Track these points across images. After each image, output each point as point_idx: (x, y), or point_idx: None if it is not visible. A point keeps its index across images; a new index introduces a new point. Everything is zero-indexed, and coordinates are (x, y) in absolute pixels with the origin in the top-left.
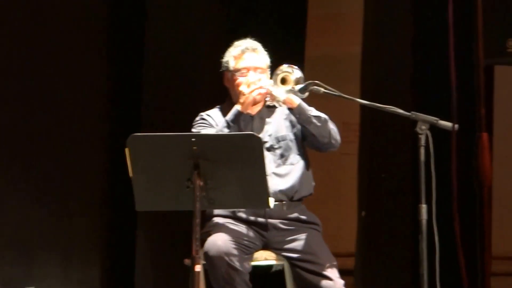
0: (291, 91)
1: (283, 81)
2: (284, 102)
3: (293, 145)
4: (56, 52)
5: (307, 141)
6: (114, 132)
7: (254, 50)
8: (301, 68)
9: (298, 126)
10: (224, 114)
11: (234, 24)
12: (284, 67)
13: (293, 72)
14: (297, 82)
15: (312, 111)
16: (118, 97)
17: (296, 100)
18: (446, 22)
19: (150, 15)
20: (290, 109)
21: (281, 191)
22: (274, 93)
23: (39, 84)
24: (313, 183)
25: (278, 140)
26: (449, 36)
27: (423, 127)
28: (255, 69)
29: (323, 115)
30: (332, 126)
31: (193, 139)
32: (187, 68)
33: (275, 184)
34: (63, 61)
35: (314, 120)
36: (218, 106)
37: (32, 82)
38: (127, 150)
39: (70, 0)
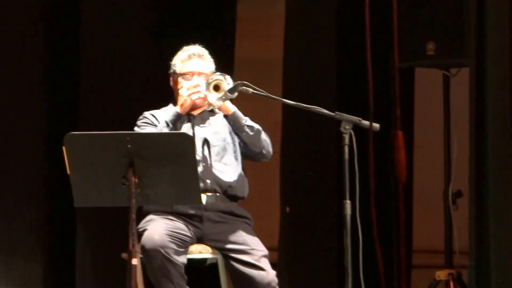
0: (224, 98)
1: (216, 88)
2: (219, 109)
3: (229, 148)
4: None
5: (241, 150)
6: (52, 130)
7: (200, 56)
8: (231, 70)
9: None
10: (168, 114)
11: (165, 28)
12: (217, 75)
13: (225, 80)
14: (225, 94)
15: (247, 121)
16: (55, 95)
17: (232, 108)
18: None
19: (84, 17)
20: (225, 116)
21: (216, 182)
22: (208, 98)
23: None
24: (247, 191)
25: (216, 139)
26: (366, 41)
27: (347, 127)
28: (199, 74)
29: (257, 126)
30: (265, 137)
31: (127, 138)
32: (120, 69)
33: (212, 174)
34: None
35: (247, 129)
36: (163, 108)
37: None
38: (64, 149)
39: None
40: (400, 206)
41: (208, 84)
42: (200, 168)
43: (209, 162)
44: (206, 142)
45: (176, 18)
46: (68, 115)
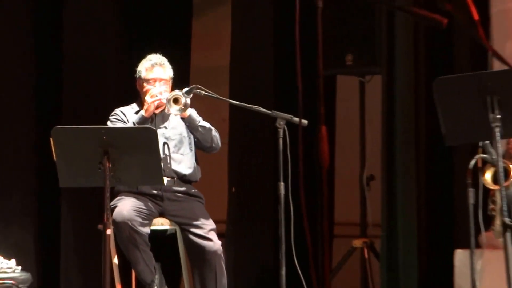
0: (181, 110)
1: (176, 101)
2: (180, 114)
3: (185, 141)
4: None
5: (195, 143)
6: (40, 122)
7: (161, 65)
8: (188, 76)
9: None
10: (134, 110)
11: (134, 39)
12: (177, 91)
13: (183, 98)
14: (185, 105)
15: (200, 122)
16: (43, 91)
17: (187, 112)
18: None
19: (66, 26)
20: (182, 118)
21: (174, 171)
22: (170, 111)
23: None
24: (199, 175)
25: (174, 133)
26: (296, 52)
27: (281, 123)
28: (160, 80)
29: (208, 125)
30: (214, 133)
31: (103, 131)
32: (97, 70)
33: (170, 163)
34: None
35: (200, 129)
36: (131, 104)
37: None
38: (51, 139)
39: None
40: (323, 187)
41: (168, 100)
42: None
43: (168, 155)
44: (165, 139)
45: (144, 32)
46: (53, 110)
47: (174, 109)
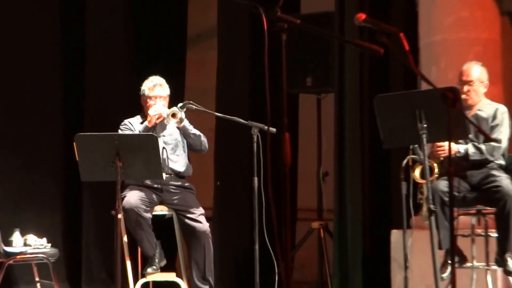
0: (177, 123)
1: (173, 115)
2: (177, 125)
3: (180, 144)
4: (22, 70)
5: (187, 146)
6: (67, 130)
7: (161, 85)
8: (182, 94)
9: None
10: (139, 121)
11: (141, 64)
12: (174, 107)
13: (180, 112)
14: (181, 118)
15: (192, 130)
16: (69, 105)
17: (184, 121)
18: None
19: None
20: (178, 127)
21: (171, 169)
22: (169, 123)
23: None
24: (191, 171)
25: (171, 139)
26: (265, 75)
27: (255, 131)
28: (160, 97)
29: (198, 132)
30: (203, 139)
31: (115, 137)
32: (112, 89)
33: (168, 163)
34: (28, 77)
35: (192, 135)
36: (137, 116)
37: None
38: (74, 144)
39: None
40: (287, 181)
41: (167, 115)
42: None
43: (166, 156)
44: (164, 144)
45: (148, 59)
46: (76, 120)
47: (172, 122)
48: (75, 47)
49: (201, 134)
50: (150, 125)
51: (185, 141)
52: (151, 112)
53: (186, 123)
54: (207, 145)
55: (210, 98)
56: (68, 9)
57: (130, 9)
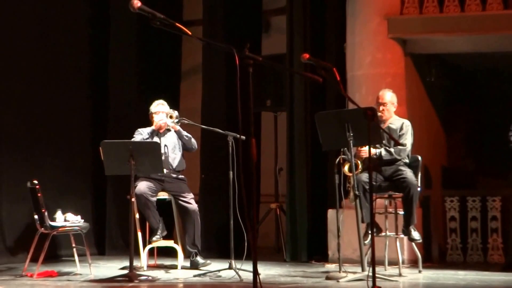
0: (175, 122)
1: (170, 116)
2: (173, 128)
3: (177, 146)
4: (60, 89)
5: (182, 146)
6: (95, 137)
7: (162, 104)
8: (178, 111)
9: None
10: (148, 130)
11: (148, 91)
12: (170, 110)
13: (174, 113)
14: (176, 117)
15: (184, 133)
16: (96, 118)
17: (177, 127)
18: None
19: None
20: (175, 131)
21: (170, 164)
22: (167, 122)
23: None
24: (185, 166)
25: (171, 142)
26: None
27: (230, 138)
28: (162, 112)
29: (189, 135)
30: (193, 141)
31: (130, 144)
32: (127, 108)
33: (168, 160)
34: (64, 94)
35: (185, 138)
36: (147, 128)
37: (49, 105)
38: (100, 148)
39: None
40: (254, 174)
41: (166, 114)
42: (163, 157)
43: (167, 154)
44: (165, 145)
45: (154, 87)
46: (101, 130)
47: (169, 121)
48: (100, 73)
49: (191, 137)
50: (155, 129)
51: (180, 143)
52: (156, 119)
53: (181, 129)
54: (196, 146)
55: (197, 115)
56: (95, 41)
57: (140, 49)
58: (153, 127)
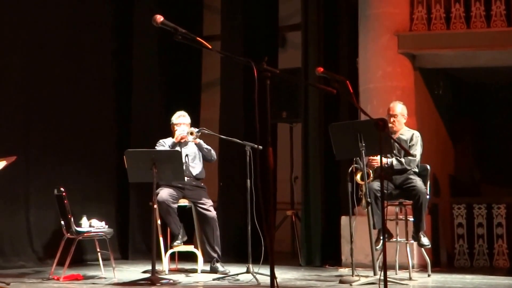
0: (194, 137)
1: (191, 133)
2: (193, 141)
3: (197, 156)
4: (86, 100)
5: (202, 157)
6: (119, 146)
7: (184, 116)
8: (198, 123)
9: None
10: (170, 141)
11: (170, 103)
12: (191, 128)
13: (194, 130)
14: (195, 136)
15: (205, 146)
16: (120, 128)
17: (197, 140)
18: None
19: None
20: (195, 144)
21: (190, 173)
22: (188, 139)
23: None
24: (204, 175)
25: (191, 152)
26: (255, 107)
27: (248, 147)
28: (183, 124)
29: (209, 147)
30: (213, 152)
31: (152, 153)
32: (150, 118)
33: (188, 169)
34: (87, 98)
35: (205, 150)
36: (168, 138)
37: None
38: (124, 156)
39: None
40: (271, 181)
41: (187, 133)
42: (184, 167)
43: (188, 163)
44: (186, 155)
45: (176, 98)
46: (125, 140)
47: (190, 138)
48: (124, 84)
49: (211, 149)
50: (176, 141)
51: (200, 154)
52: (177, 132)
53: (201, 141)
54: (215, 157)
55: (216, 125)
56: (119, 54)
57: (163, 62)
58: (173, 140)
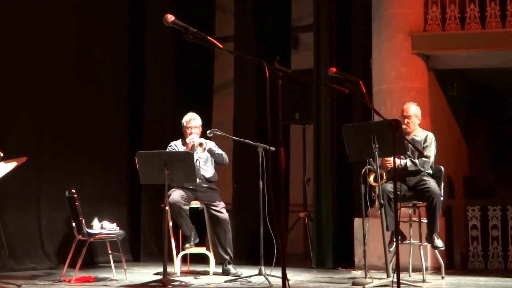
0: (204, 149)
1: (200, 144)
2: (202, 151)
3: (209, 159)
4: (99, 103)
5: (214, 161)
6: (131, 148)
7: (195, 119)
8: (210, 125)
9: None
10: (181, 143)
11: (181, 105)
12: (202, 140)
13: (206, 144)
14: (204, 148)
15: (216, 150)
16: (133, 130)
17: (207, 147)
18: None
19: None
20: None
21: (202, 175)
22: (198, 151)
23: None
24: (216, 177)
25: (203, 156)
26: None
27: (260, 149)
28: (194, 127)
29: (221, 151)
30: (225, 156)
31: (164, 154)
32: (162, 120)
33: (200, 171)
34: (99, 100)
35: (216, 155)
36: (179, 140)
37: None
38: (136, 158)
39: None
40: (282, 183)
41: (196, 145)
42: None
43: (199, 166)
44: (197, 159)
45: (187, 100)
46: (137, 141)
47: (199, 150)
48: (137, 86)
49: (223, 153)
50: (187, 148)
51: (212, 159)
52: (188, 140)
53: (212, 146)
54: (227, 161)
55: (229, 127)
56: (132, 56)
57: (175, 64)
58: (185, 147)
